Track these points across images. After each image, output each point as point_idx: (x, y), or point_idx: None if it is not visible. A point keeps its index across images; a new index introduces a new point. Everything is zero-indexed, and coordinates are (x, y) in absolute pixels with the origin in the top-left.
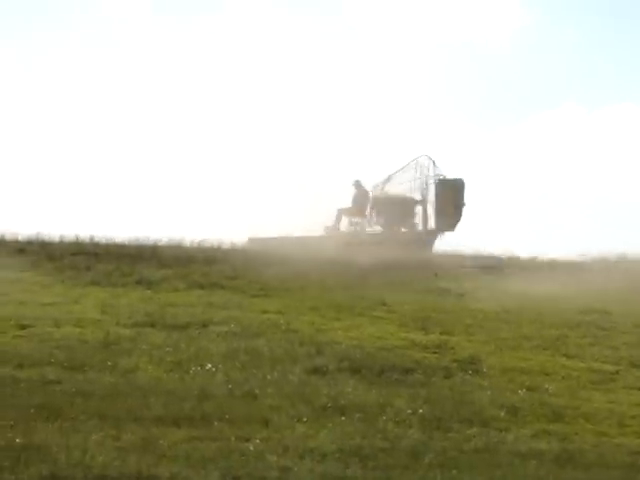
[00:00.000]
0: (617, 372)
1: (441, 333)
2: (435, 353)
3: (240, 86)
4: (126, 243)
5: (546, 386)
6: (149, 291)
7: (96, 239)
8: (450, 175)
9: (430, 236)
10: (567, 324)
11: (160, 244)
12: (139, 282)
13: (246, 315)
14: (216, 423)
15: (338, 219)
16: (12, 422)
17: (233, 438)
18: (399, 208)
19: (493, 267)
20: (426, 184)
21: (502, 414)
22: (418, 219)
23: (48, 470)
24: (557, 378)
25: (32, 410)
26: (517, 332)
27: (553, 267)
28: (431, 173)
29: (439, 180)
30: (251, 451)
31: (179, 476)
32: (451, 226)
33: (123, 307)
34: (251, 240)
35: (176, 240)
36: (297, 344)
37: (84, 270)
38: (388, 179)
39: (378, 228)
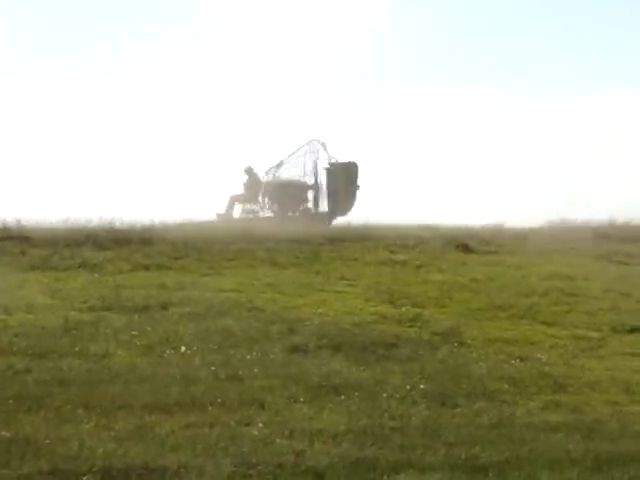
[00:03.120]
0: (603, 338)
1: (412, 306)
2: (411, 327)
3: (143, 74)
4: (56, 226)
5: (538, 356)
6: (95, 274)
7: (23, 223)
8: (343, 159)
9: (323, 220)
10: (535, 292)
11: (91, 226)
12: (81, 265)
13: (204, 295)
14: (210, 408)
15: (230, 206)
16: None
17: (233, 423)
18: (291, 193)
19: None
20: (317, 168)
21: (505, 386)
22: (311, 204)
23: (48, 464)
24: (544, 347)
25: (10, 401)
26: (488, 302)
27: (503, 235)
28: (322, 157)
29: (330, 164)
30: (256, 435)
31: (188, 466)
32: (344, 210)
33: (73, 291)
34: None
35: (106, 221)
36: (267, 322)
37: (19, 255)
38: (280, 164)
39: (270, 214)
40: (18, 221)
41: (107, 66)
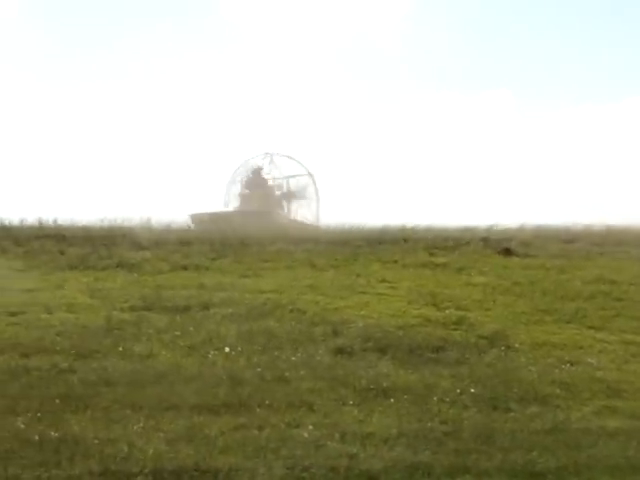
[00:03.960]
0: None
1: (456, 309)
2: (456, 330)
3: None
4: (93, 225)
5: (588, 360)
6: (134, 274)
7: (59, 222)
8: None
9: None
10: (580, 296)
11: (129, 225)
12: (119, 265)
13: (244, 296)
14: (258, 409)
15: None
16: (39, 414)
17: (282, 425)
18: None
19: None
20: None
21: (557, 391)
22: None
23: (98, 465)
24: (594, 352)
25: (57, 401)
26: (532, 306)
27: (543, 237)
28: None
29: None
30: (307, 438)
31: (240, 468)
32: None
33: (113, 291)
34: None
35: (143, 220)
36: (309, 324)
37: (57, 254)
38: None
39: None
40: (55, 220)
41: (135, 66)
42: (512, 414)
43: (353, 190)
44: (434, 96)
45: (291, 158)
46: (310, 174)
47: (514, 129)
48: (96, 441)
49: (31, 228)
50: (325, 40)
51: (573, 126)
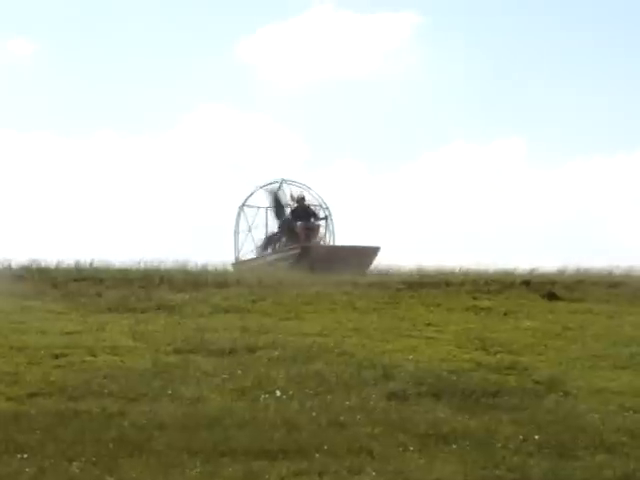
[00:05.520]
0: None
1: (507, 353)
2: (509, 374)
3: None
4: (129, 267)
5: None
6: (176, 316)
7: (95, 264)
8: None
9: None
10: (633, 341)
11: (165, 267)
12: (159, 307)
13: (289, 339)
14: (316, 455)
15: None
16: (94, 458)
17: (344, 471)
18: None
19: None
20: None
21: (623, 439)
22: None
23: None
24: None
25: (110, 445)
26: (585, 351)
27: (587, 281)
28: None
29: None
30: None
31: None
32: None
33: (155, 333)
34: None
35: (180, 262)
36: (359, 367)
37: (95, 296)
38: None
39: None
40: (91, 262)
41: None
42: (580, 462)
43: (371, 231)
44: (449, 146)
45: (309, 188)
46: (327, 207)
47: (527, 178)
48: None
49: (68, 270)
50: (330, 89)
51: (585, 176)
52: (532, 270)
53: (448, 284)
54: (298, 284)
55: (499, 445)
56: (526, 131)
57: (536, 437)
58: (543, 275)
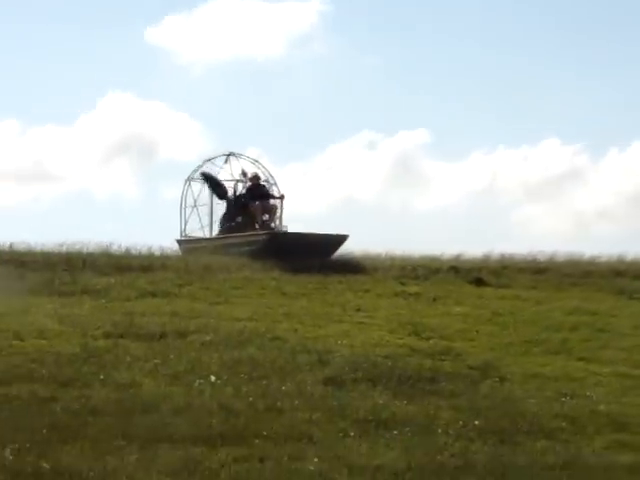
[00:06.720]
0: None
1: (439, 338)
2: (444, 360)
3: None
4: (51, 250)
5: (587, 393)
6: (102, 300)
7: (15, 247)
8: None
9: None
10: (563, 327)
11: (88, 250)
12: (84, 291)
13: (220, 324)
14: (257, 441)
15: None
16: (27, 444)
17: (285, 457)
18: None
19: None
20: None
21: (562, 424)
22: None
23: None
24: (589, 384)
25: (44, 431)
26: (517, 336)
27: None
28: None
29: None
30: (313, 471)
31: None
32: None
33: (82, 317)
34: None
35: (103, 246)
36: (293, 353)
37: (17, 279)
38: None
39: None
40: (10, 245)
41: None
42: (521, 448)
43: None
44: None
45: (257, 162)
46: (276, 183)
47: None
48: (91, 473)
49: None
50: (236, 73)
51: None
52: (458, 256)
53: (374, 269)
54: (225, 268)
55: (440, 431)
56: (431, 122)
57: (476, 423)
58: (469, 261)
